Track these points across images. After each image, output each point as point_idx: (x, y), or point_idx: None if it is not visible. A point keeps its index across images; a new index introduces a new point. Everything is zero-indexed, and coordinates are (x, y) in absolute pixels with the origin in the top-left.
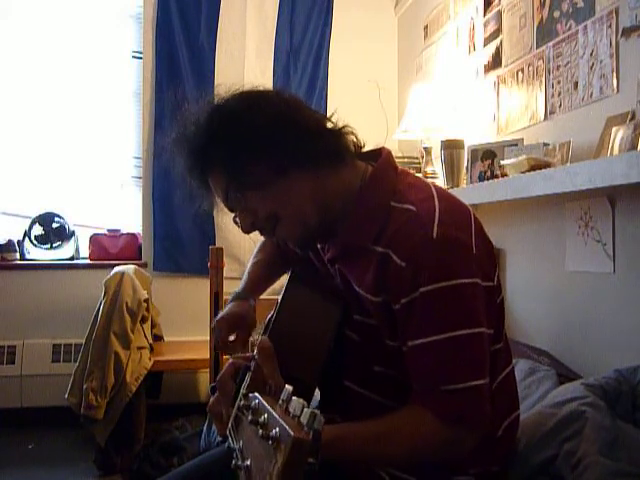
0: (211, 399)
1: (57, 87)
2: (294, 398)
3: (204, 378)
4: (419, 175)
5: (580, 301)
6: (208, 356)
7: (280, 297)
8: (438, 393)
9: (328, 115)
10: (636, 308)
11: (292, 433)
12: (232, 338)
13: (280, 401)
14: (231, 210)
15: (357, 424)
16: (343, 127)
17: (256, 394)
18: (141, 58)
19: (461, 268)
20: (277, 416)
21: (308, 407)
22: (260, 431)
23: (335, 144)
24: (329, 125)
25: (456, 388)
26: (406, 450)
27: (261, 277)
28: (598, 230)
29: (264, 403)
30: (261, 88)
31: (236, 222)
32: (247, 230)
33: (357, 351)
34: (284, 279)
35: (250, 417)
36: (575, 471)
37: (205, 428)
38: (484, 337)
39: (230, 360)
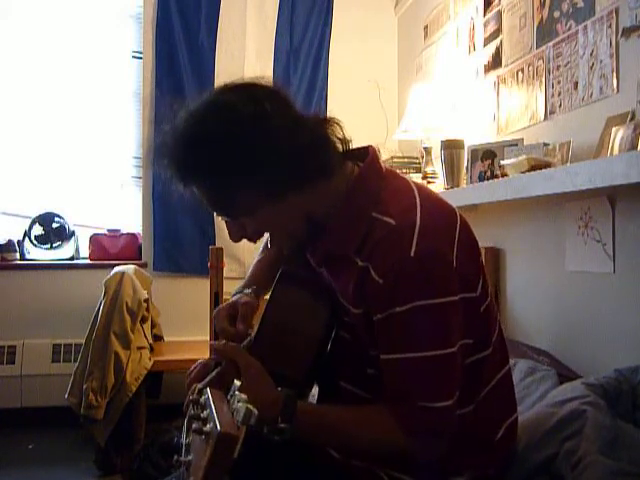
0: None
1: (57, 87)
2: (237, 393)
3: None
4: (408, 175)
5: (580, 301)
6: (208, 356)
7: (269, 295)
8: (406, 407)
9: (315, 111)
10: (636, 308)
11: (219, 428)
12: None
13: (228, 396)
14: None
15: (330, 407)
16: (328, 122)
17: (207, 389)
18: (141, 58)
19: (437, 287)
20: (214, 412)
21: (247, 403)
22: (198, 425)
23: (324, 158)
24: (315, 134)
25: (424, 406)
26: (365, 446)
27: (264, 274)
28: (598, 230)
29: (210, 398)
30: (238, 97)
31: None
32: (235, 240)
33: (351, 352)
34: None
35: (193, 412)
36: (575, 470)
37: None
38: (455, 357)
39: (200, 361)
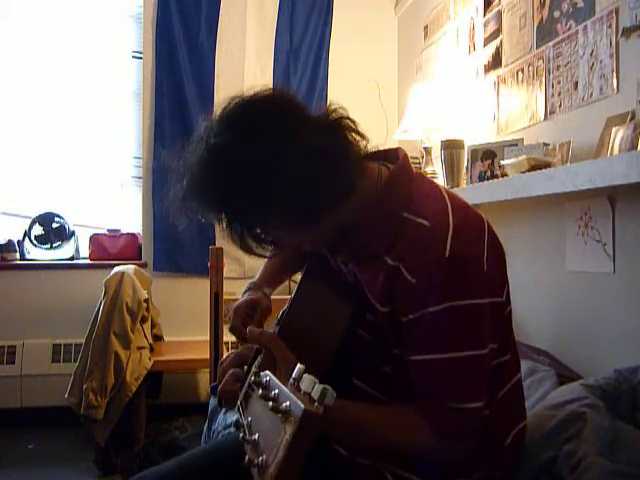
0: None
1: (57, 87)
2: (305, 375)
3: (204, 378)
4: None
5: (580, 301)
6: (208, 356)
7: (294, 292)
8: (437, 408)
9: (327, 106)
10: (636, 308)
11: (302, 405)
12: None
13: (292, 379)
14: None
15: (359, 405)
16: (342, 123)
17: (267, 372)
18: (141, 58)
19: (471, 289)
20: (287, 391)
21: (320, 384)
22: (270, 404)
23: (347, 179)
24: (334, 146)
25: (455, 407)
26: (393, 446)
27: (276, 270)
28: (598, 230)
29: (275, 380)
30: (260, 118)
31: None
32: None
33: (368, 350)
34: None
35: (260, 392)
36: (575, 472)
37: (205, 428)
38: (486, 359)
39: (234, 351)
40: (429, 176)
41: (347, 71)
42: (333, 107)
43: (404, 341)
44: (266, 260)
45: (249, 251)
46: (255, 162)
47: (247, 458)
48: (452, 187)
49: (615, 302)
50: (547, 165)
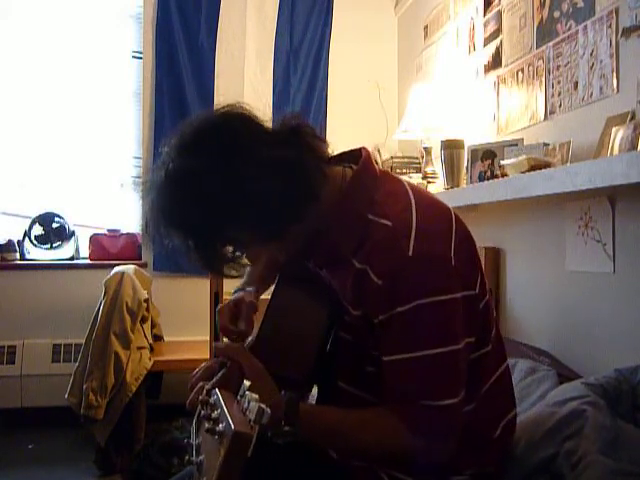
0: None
1: (57, 87)
2: (248, 393)
3: None
4: (402, 176)
5: (580, 301)
6: (208, 356)
7: (270, 297)
8: (412, 407)
9: (279, 120)
10: (636, 308)
11: (233, 427)
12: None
13: (238, 397)
14: None
15: (332, 410)
16: (300, 131)
17: (216, 390)
18: (141, 58)
19: (438, 285)
20: (226, 411)
21: (259, 402)
22: (213, 426)
23: (308, 190)
24: (291, 158)
25: (430, 405)
26: (370, 448)
27: (260, 276)
28: (598, 230)
29: (220, 398)
30: (211, 140)
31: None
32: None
33: (350, 351)
34: None
35: (204, 412)
36: (575, 470)
37: None
38: (460, 353)
39: (203, 363)
40: (429, 176)
41: (347, 71)
42: (289, 116)
43: (377, 343)
44: (249, 268)
45: (218, 272)
46: (210, 180)
47: None
48: (452, 187)
49: (615, 302)
50: (547, 165)
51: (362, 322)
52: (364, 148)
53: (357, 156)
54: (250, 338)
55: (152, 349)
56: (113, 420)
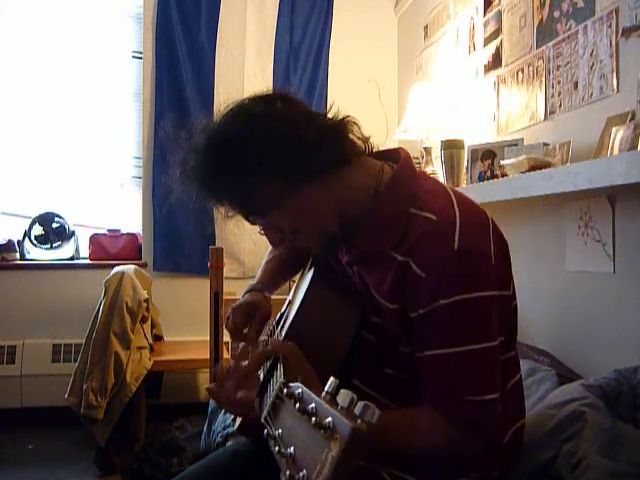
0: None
1: (57, 87)
2: (342, 390)
3: (204, 378)
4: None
5: (580, 301)
6: (208, 356)
7: (301, 297)
8: (453, 401)
9: (328, 109)
10: (636, 308)
11: (350, 424)
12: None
13: (324, 392)
14: (254, 224)
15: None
16: (344, 120)
17: (298, 383)
18: (141, 58)
19: (480, 281)
20: (327, 406)
21: (360, 400)
22: (312, 419)
23: (339, 149)
24: (330, 125)
25: (473, 400)
26: (415, 447)
27: (275, 272)
28: (598, 230)
29: (309, 392)
30: (252, 101)
31: (263, 234)
32: (276, 244)
33: (371, 352)
34: (296, 277)
35: (297, 405)
36: (575, 472)
37: (205, 428)
38: (497, 350)
39: (229, 364)
40: (431, 176)
41: (347, 71)
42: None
43: (414, 338)
44: (264, 262)
45: (253, 221)
46: (245, 125)
47: (288, 473)
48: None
49: (615, 302)
50: (547, 165)
51: (397, 317)
52: (402, 148)
53: (394, 155)
54: (271, 331)
55: (152, 349)
56: (113, 420)
